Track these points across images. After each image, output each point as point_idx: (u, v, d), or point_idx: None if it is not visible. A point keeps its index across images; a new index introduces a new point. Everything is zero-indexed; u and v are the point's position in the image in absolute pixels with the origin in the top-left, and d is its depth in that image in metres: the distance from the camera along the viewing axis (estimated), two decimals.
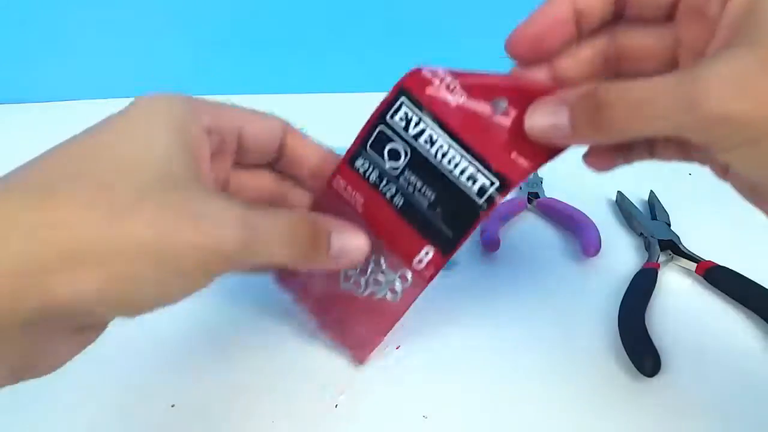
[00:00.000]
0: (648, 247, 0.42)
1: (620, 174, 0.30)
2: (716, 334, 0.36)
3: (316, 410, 0.32)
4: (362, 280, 0.32)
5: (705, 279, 0.39)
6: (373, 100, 0.29)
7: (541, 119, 0.26)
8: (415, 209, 0.29)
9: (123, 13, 0.60)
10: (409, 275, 0.31)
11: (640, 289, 0.38)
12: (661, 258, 0.41)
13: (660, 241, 0.42)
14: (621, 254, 0.42)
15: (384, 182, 0.30)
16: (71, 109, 0.62)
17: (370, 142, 0.30)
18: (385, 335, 0.33)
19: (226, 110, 0.28)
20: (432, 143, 0.28)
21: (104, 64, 0.62)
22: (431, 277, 0.30)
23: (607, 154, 0.28)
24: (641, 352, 0.33)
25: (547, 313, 0.37)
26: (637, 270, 0.40)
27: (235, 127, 0.28)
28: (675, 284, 0.40)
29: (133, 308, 0.21)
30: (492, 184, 0.27)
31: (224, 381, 0.33)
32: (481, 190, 0.28)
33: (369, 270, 0.31)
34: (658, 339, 0.35)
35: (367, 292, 0.32)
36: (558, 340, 0.36)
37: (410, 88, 0.28)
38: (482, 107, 0.27)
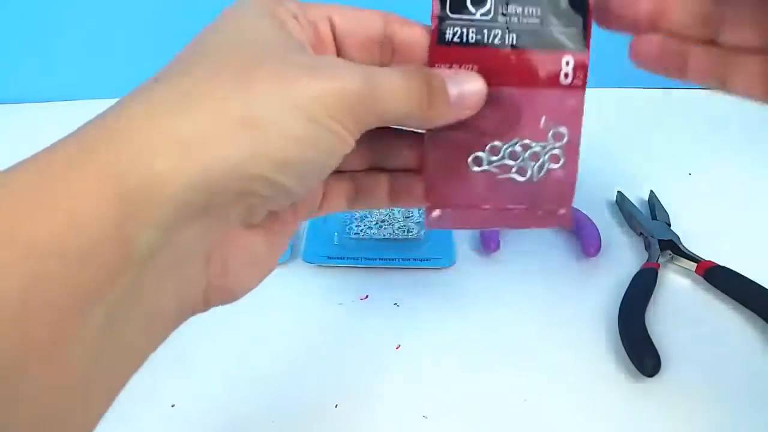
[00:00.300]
0: (648, 247, 0.42)
1: (620, 174, 0.30)
2: (716, 334, 0.36)
3: (316, 410, 0.32)
4: (519, 165, 0.29)
5: (705, 279, 0.39)
6: None
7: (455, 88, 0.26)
8: (529, 34, 0.28)
9: (123, 13, 0.60)
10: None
11: (640, 289, 0.38)
12: (661, 258, 0.41)
13: (660, 241, 0.42)
14: (621, 254, 0.42)
15: (486, 33, 0.28)
16: (71, 109, 0.62)
17: (449, 6, 0.28)
18: (576, 176, 0.29)
19: (315, 2, 0.27)
20: None
21: (104, 64, 0.62)
22: (584, 81, 0.28)
23: (659, 45, 0.27)
24: (641, 352, 0.33)
25: (547, 313, 0.37)
26: (637, 270, 0.40)
27: (324, 15, 0.26)
28: (675, 284, 0.40)
29: (289, 169, 0.21)
30: None
31: (224, 381, 0.33)
32: None
33: (520, 150, 0.29)
34: (658, 339, 0.35)
35: (532, 172, 0.29)
36: (558, 340, 0.36)
37: None
38: None
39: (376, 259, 0.41)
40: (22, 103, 0.63)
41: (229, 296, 0.24)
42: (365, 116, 0.22)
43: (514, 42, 0.28)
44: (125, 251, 0.18)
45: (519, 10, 0.28)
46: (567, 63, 0.28)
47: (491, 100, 0.28)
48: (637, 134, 0.53)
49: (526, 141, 0.28)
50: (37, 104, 0.63)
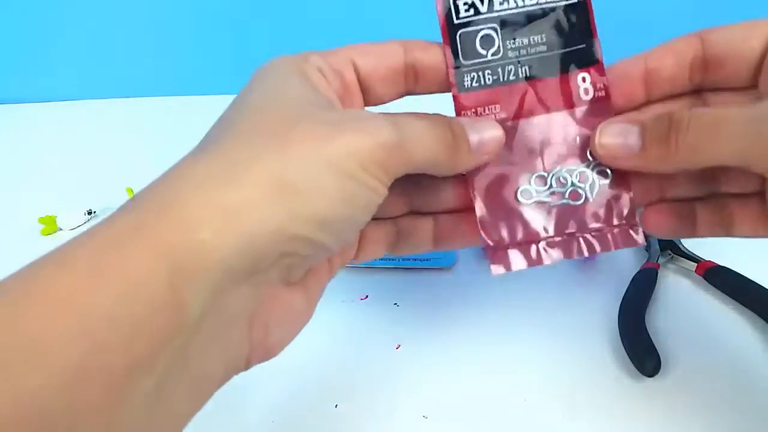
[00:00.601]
0: (648, 247, 0.42)
1: None
2: (716, 334, 0.36)
3: (316, 410, 0.32)
4: (569, 190, 0.29)
5: (705, 279, 0.39)
6: None
7: (611, 138, 0.27)
8: (541, 62, 0.29)
9: (123, 14, 0.60)
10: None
11: (640, 289, 0.38)
12: (661, 258, 0.41)
13: (660, 241, 0.42)
14: (621, 254, 0.42)
15: (501, 72, 0.29)
16: (71, 109, 0.62)
17: (461, 53, 0.29)
18: (630, 185, 0.29)
19: (335, 49, 0.28)
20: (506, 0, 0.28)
21: (104, 64, 0.62)
22: (607, 91, 0.28)
23: (668, 213, 0.28)
24: (641, 352, 0.33)
25: (547, 313, 0.37)
26: (637, 270, 0.40)
27: (347, 59, 0.27)
28: (675, 284, 0.40)
29: (328, 227, 0.22)
30: None
31: None
32: None
33: (567, 176, 0.29)
34: (658, 339, 0.35)
35: (585, 193, 0.29)
36: (558, 340, 0.35)
37: None
38: None
39: (376, 259, 0.41)
40: (22, 103, 0.63)
41: (267, 355, 0.25)
42: (396, 166, 0.23)
43: (528, 73, 0.29)
44: (178, 317, 0.19)
45: (525, 41, 0.28)
46: (584, 79, 0.28)
47: (523, 133, 0.29)
48: None
49: (570, 166, 0.29)
50: (37, 104, 0.63)
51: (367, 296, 0.39)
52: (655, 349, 0.33)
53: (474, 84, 0.29)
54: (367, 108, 0.29)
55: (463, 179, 0.29)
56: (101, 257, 0.18)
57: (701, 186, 0.28)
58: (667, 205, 0.29)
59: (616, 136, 0.27)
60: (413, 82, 0.28)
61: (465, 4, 0.29)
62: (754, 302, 0.37)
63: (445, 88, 0.29)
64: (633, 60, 0.28)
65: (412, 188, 0.30)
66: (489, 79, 0.29)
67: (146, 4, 0.59)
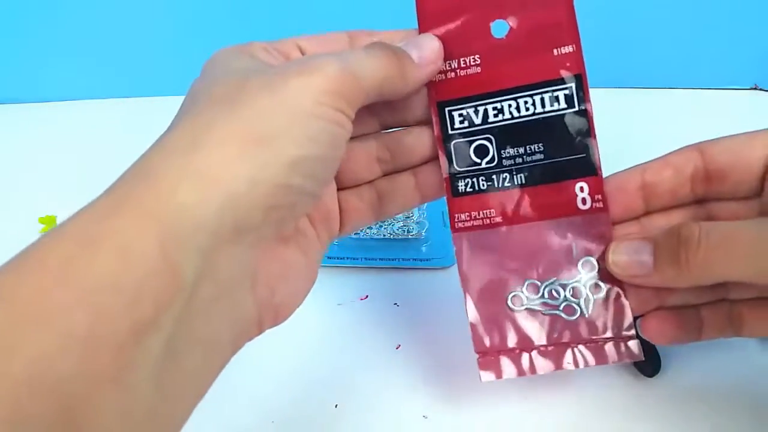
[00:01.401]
0: None
1: None
2: None
3: (316, 410, 0.32)
4: (563, 304, 0.29)
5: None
6: None
7: (625, 255, 0.27)
8: (537, 170, 0.28)
9: (123, 13, 0.60)
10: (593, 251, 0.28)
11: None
12: None
13: None
14: None
15: (495, 179, 0.29)
16: (71, 109, 0.62)
17: (455, 162, 0.29)
18: (627, 300, 0.28)
19: (279, 39, 0.28)
20: (500, 111, 0.28)
21: (104, 64, 0.62)
22: (605, 203, 0.28)
23: (667, 321, 0.28)
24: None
25: None
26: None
27: (292, 44, 0.28)
28: None
29: (301, 169, 0.22)
30: (570, 89, 0.28)
31: (224, 381, 0.33)
32: (569, 99, 0.28)
33: (560, 289, 0.29)
34: None
35: (580, 308, 0.28)
36: None
37: (443, 97, 0.28)
38: (500, 43, 0.28)
39: (376, 259, 0.41)
40: (21, 103, 0.63)
41: (279, 316, 0.25)
42: (351, 93, 0.23)
43: (524, 181, 0.29)
44: (174, 280, 0.19)
45: (521, 150, 0.28)
46: (581, 189, 0.28)
47: (517, 238, 0.29)
48: (637, 134, 0.53)
49: (563, 279, 0.28)
50: (37, 104, 0.63)
51: (367, 296, 0.39)
52: (655, 350, 0.33)
53: (468, 189, 0.29)
54: None
55: (433, 128, 0.29)
56: (93, 227, 0.19)
57: (707, 294, 0.28)
58: (667, 312, 0.28)
59: (630, 254, 0.27)
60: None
61: (460, 116, 0.29)
62: None
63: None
64: (630, 172, 0.28)
65: (387, 144, 0.30)
66: (483, 185, 0.29)
67: (146, 3, 0.59)
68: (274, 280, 0.24)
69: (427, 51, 0.28)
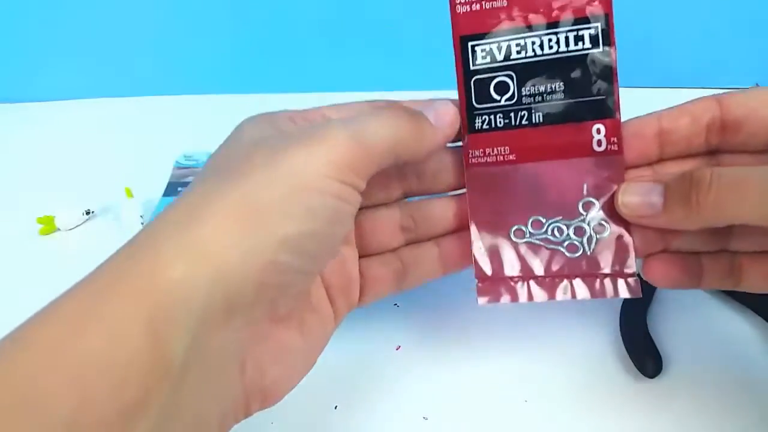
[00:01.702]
0: None
1: None
2: (717, 334, 0.36)
3: (315, 411, 0.32)
4: (566, 241, 0.29)
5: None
6: (373, 98, 0.29)
7: (635, 196, 0.27)
8: (556, 110, 0.28)
9: (122, 13, 0.60)
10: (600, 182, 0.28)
11: (642, 289, 0.38)
12: None
13: None
14: None
15: (513, 116, 0.28)
16: (69, 108, 0.62)
17: (474, 98, 0.29)
18: (630, 235, 0.28)
19: (309, 108, 0.28)
20: (524, 48, 0.28)
21: (104, 64, 0.62)
22: (620, 145, 0.28)
23: (673, 264, 0.28)
24: (642, 353, 0.33)
25: (549, 314, 0.37)
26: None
27: (319, 113, 0.27)
28: None
29: (295, 247, 0.21)
30: (596, 28, 0.27)
31: None
32: (594, 39, 0.28)
33: (564, 228, 0.29)
34: (660, 340, 0.34)
35: (583, 247, 0.29)
36: (559, 341, 0.35)
37: (466, 31, 0.28)
38: None
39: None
40: (18, 103, 0.63)
41: (268, 399, 0.25)
42: (360, 164, 0.23)
43: (541, 120, 0.28)
44: (162, 361, 0.19)
45: (542, 88, 0.28)
46: (598, 131, 0.28)
47: (529, 176, 0.29)
48: None
49: (568, 220, 0.28)
50: (34, 103, 0.63)
51: None
52: (657, 350, 0.33)
53: (485, 126, 0.29)
54: None
55: (461, 200, 0.29)
56: (84, 307, 0.19)
57: (710, 241, 0.28)
58: (671, 255, 0.28)
59: (640, 195, 0.27)
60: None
61: (482, 51, 0.28)
62: (756, 303, 0.37)
63: (427, 146, 0.28)
64: (647, 118, 0.28)
65: (412, 214, 0.30)
66: (500, 122, 0.29)
67: (146, 3, 0.59)
68: (265, 363, 0.24)
69: (443, 113, 0.27)
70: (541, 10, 0.28)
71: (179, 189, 0.48)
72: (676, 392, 0.32)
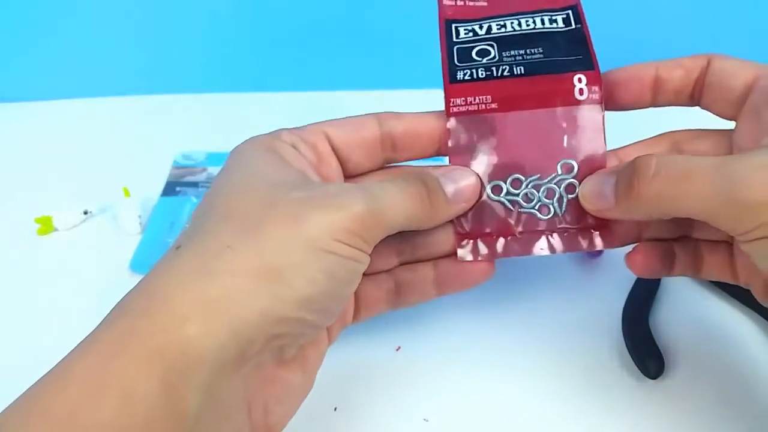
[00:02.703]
0: None
1: None
2: (720, 335, 0.36)
3: (315, 412, 0.31)
4: (538, 204, 0.29)
5: (709, 280, 0.39)
6: (374, 98, 0.29)
7: (591, 187, 0.27)
8: (537, 64, 0.29)
9: (123, 12, 0.59)
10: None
11: (644, 290, 0.38)
12: None
13: None
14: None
15: (494, 69, 0.29)
16: (69, 108, 0.61)
17: (456, 59, 0.30)
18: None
19: (309, 125, 0.28)
20: (503, 26, 0.30)
21: (104, 63, 0.62)
22: (601, 95, 0.28)
23: (651, 256, 0.29)
24: (645, 354, 0.33)
25: (550, 315, 0.37)
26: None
27: (319, 132, 0.28)
28: (679, 286, 0.39)
29: (312, 305, 0.22)
30: (567, 14, 0.30)
31: None
32: (566, 21, 0.30)
33: (534, 192, 0.29)
34: (662, 340, 0.34)
35: (554, 209, 0.29)
36: (561, 342, 0.35)
37: (452, 16, 0.31)
38: None
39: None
40: (15, 102, 0.63)
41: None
42: (373, 233, 0.23)
43: (523, 72, 0.29)
44: (178, 416, 0.19)
45: (522, 51, 0.29)
46: (579, 80, 0.28)
47: (511, 126, 0.29)
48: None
49: (541, 181, 0.29)
50: (31, 103, 0.62)
51: None
52: (659, 351, 0.33)
53: (466, 77, 0.29)
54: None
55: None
56: (97, 370, 0.19)
57: (676, 229, 0.29)
58: (651, 246, 0.29)
59: (595, 187, 0.27)
60: (391, 150, 0.29)
61: (465, 29, 0.30)
62: (758, 303, 0.36)
63: (425, 150, 0.29)
64: (645, 65, 0.29)
65: (404, 237, 0.30)
66: (482, 74, 0.29)
67: (146, 3, 0.59)
68: (270, 404, 0.24)
69: (463, 188, 0.28)
70: (517, 4, 0.31)
71: (177, 188, 0.48)
72: (678, 393, 0.32)
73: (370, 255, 0.24)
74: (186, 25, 0.60)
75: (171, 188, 0.48)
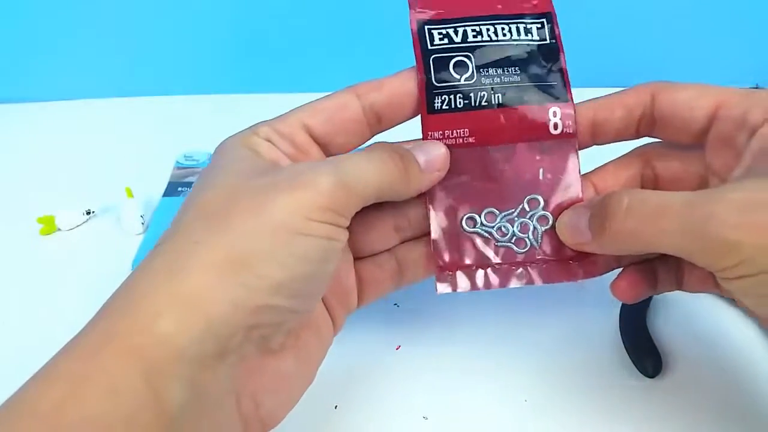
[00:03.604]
0: None
1: None
2: (717, 334, 0.36)
3: (315, 411, 0.32)
4: (514, 238, 0.29)
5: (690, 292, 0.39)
6: None
7: (567, 221, 0.28)
8: (514, 91, 0.29)
9: (123, 12, 0.60)
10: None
11: None
12: None
13: None
14: None
15: (472, 97, 0.29)
16: (71, 108, 0.62)
17: (434, 77, 0.29)
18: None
19: (285, 115, 0.28)
20: (479, 33, 0.29)
21: (104, 64, 0.62)
22: (575, 129, 0.29)
23: (635, 282, 0.29)
24: (642, 353, 0.33)
25: (549, 314, 0.37)
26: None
27: (297, 123, 0.27)
28: None
29: (286, 290, 0.22)
30: (541, 23, 0.29)
31: None
32: (540, 33, 0.29)
33: (508, 226, 0.29)
34: (660, 340, 0.34)
35: (530, 242, 0.29)
36: (559, 341, 0.35)
37: (422, 15, 0.29)
38: None
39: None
40: (18, 103, 0.63)
41: (267, 426, 0.25)
42: (345, 206, 0.23)
43: (501, 101, 0.29)
44: (161, 411, 0.19)
45: (500, 71, 0.29)
46: (554, 113, 0.29)
47: (487, 159, 0.29)
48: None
49: (514, 216, 0.29)
50: (34, 104, 0.63)
51: None
52: (656, 350, 0.33)
53: (444, 106, 0.29)
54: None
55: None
56: (80, 367, 0.19)
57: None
58: (633, 271, 0.29)
59: (571, 221, 0.27)
60: (376, 123, 0.28)
61: (439, 34, 0.29)
62: None
63: (409, 115, 0.29)
64: (583, 107, 0.29)
65: (399, 212, 0.30)
66: (460, 102, 0.29)
67: (146, 3, 0.59)
68: (260, 394, 0.24)
69: (434, 157, 0.28)
70: (490, 4, 0.30)
71: (179, 189, 0.48)
72: (676, 392, 0.32)
73: (347, 229, 0.24)
74: (188, 27, 0.60)
75: (173, 188, 0.48)
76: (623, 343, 0.35)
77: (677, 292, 0.39)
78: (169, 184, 0.48)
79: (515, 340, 0.35)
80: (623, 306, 0.36)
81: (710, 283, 0.28)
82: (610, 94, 0.29)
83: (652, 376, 0.33)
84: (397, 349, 0.35)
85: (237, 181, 0.23)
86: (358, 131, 0.28)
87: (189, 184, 0.48)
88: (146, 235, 0.44)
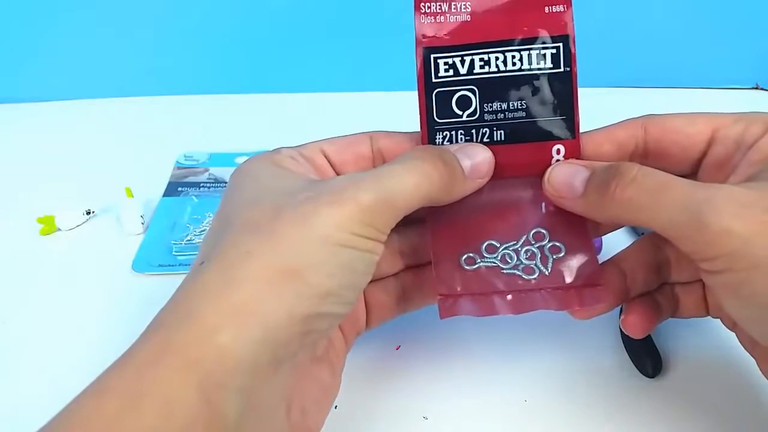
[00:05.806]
0: None
1: None
2: (717, 334, 0.36)
3: None
4: (522, 265, 0.28)
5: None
6: (373, 99, 0.29)
7: (560, 176, 0.27)
8: (517, 128, 0.28)
9: (122, 12, 0.60)
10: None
11: None
12: None
13: None
14: None
15: (474, 134, 0.28)
16: (71, 108, 0.62)
17: (435, 112, 0.28)
18: (593, 249, 0.28)
19: (306, 143, 0.29)
20: (487, 63, 0.28)
21: (104, 64, 0.62)
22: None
23: (642, 314, 0.29)
24: (642, 353, 0.33)
25: (549, 314, 0.37)
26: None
27: (316, 149, 0.28)
28: None
29: (335, 297, 0.22)
30: (557, 48, 0.28)
31: None
32: (555, 59, 0.28)
33: (513, 255, 0.28)
34: (660, 340, 0.34)
35: (539, 269, 0.28)
36: (559, 341, 0.35)
37: (430, 42, 0.28)
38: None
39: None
40: (18, 103, 0.63)
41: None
42: (386, 219, 0.24)
43: (503, 138, 0.28)
44: (218, 424, 0.19)
45: (504, 105, 0.28)
46: (558, 151, 0.28)
47: (487, 195, 0.28)
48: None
49: (519, 246, 0.28)
50: (34, 104, 0.63)
51: None
52: (657, 350, 0.33)
53: (445, 143, 0.28)
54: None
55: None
56: (136, 381, 0.19)
57: (657, 278, 0.30)
58: (639, 303, 0.29)
59: (565, 175, 0.27)
60: (381, 163, 0.29)
61: (445, 64, 0.28)
62: None
63: None
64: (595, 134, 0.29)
65: (407, 238, 0.30)
66: (461, 139, 0.28)
67: (146, 3, 0.59)
68: (306, 403, 0.25)
69: (479, 162, 0.28)
70: (504, 28, 0.28)
71: (179, 189, 0.48)
72: (676, 392, 0.32)
73: (383, 243, 0.24)
74: (189, 27, 0.60)
75: (173, 188, 0.48)
76: (623, 343, 0.35)
77: None
78: (169, 184, 0.48)
79: (515, 340, 0.35)
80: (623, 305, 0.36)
81: (702, 306, 0.29)
82: (600, 128, 0.29)
83: (652, 376, 0.33)
84: (397, 349, 0.35)
85: (278, 195, 0.24)
86: (364, 167, 0.29)
87: (189, 184, 0.48)
88: (146, 235, 0.44)
